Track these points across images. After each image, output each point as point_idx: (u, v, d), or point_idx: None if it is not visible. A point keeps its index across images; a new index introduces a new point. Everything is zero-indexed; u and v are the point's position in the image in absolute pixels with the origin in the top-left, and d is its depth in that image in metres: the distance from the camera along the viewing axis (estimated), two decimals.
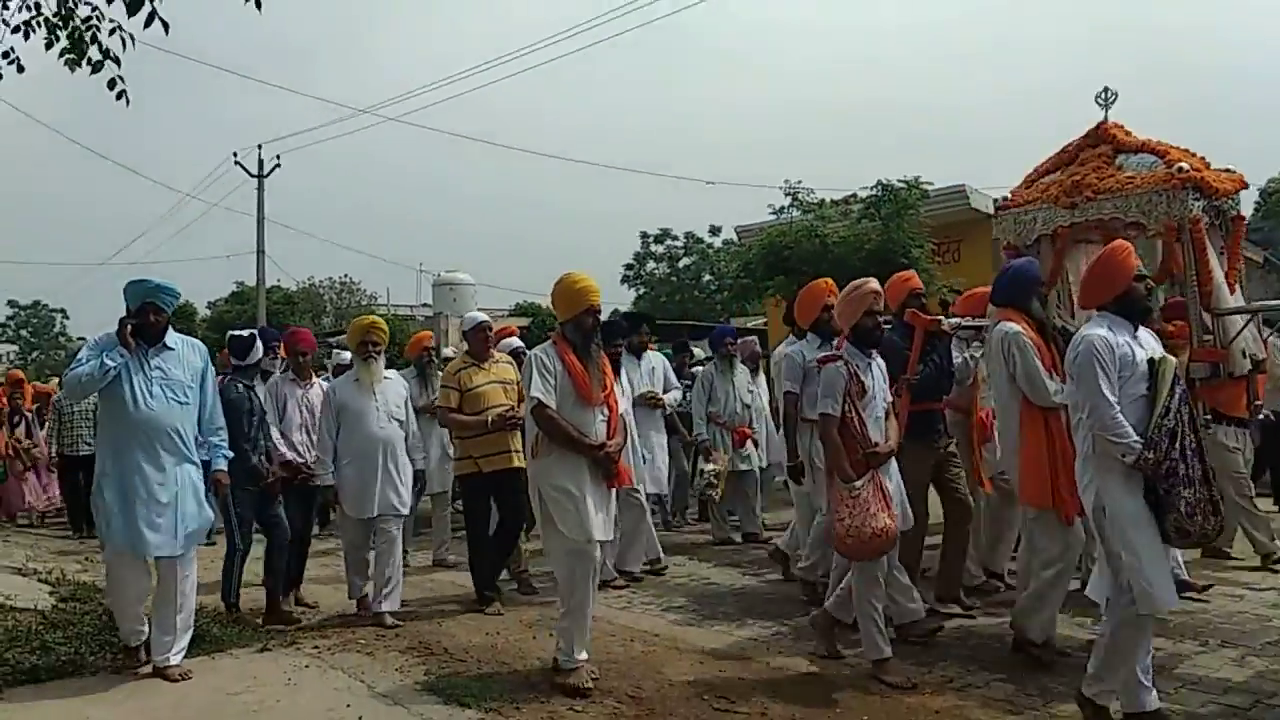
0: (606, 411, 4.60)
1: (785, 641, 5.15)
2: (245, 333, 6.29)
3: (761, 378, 8.93)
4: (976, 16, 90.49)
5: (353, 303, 42.96)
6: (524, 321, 26.47)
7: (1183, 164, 5.56)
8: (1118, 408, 3.56)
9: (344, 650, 5.22)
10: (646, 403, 7.67)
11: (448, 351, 10.73)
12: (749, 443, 8.27)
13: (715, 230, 33.51)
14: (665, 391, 8.04)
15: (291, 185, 61.45)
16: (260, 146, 26.20)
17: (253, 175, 25.90)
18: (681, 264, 35.43)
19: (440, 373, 8.31)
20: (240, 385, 5.87)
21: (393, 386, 6.08)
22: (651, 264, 35.78)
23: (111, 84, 5.02)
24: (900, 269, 13.09)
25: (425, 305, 28.41)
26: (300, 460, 6.21)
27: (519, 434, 5.73)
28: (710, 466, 7.99)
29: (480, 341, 6.32)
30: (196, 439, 4.80)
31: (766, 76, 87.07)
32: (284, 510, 5.99)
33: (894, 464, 4.60)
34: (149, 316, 4.62)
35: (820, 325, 5.91)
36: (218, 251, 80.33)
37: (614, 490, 4.66)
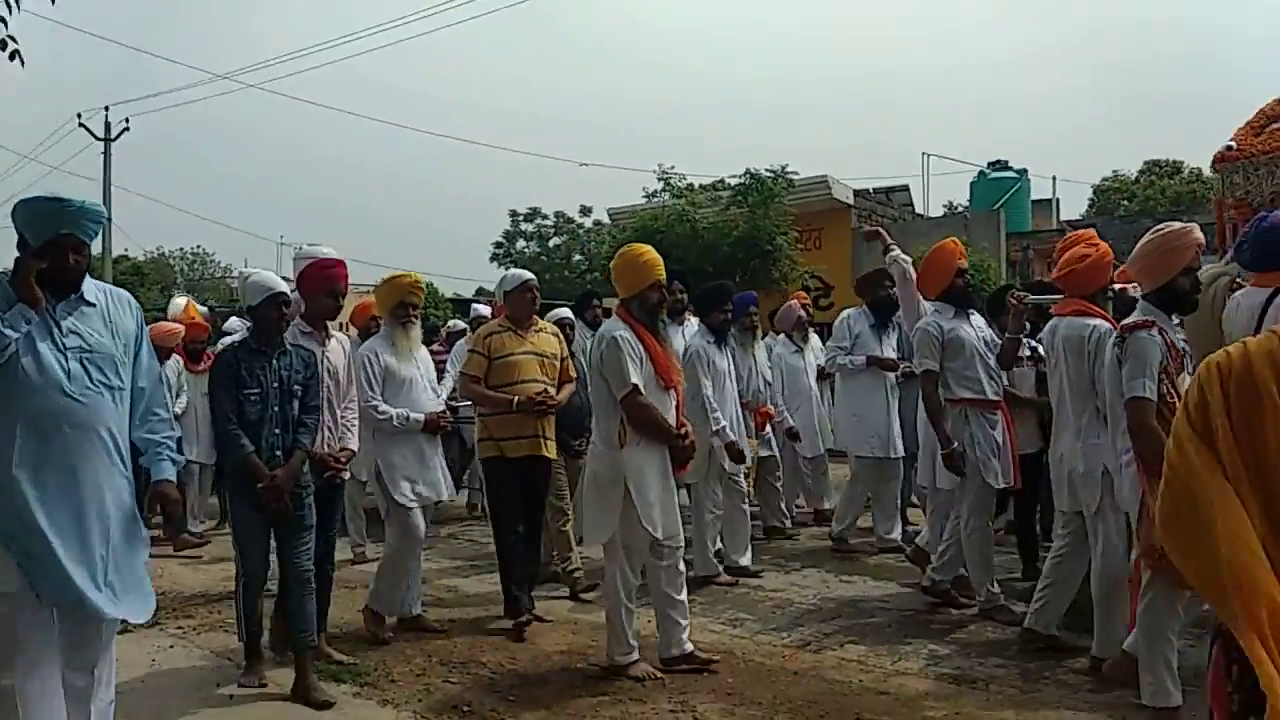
0: (675, 395, 4.38)
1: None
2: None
3: (810, 352, 7.78)
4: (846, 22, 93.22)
5: (205, 274, 41.16)
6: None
7: None
8: None
9: (210, 630, 5.13)
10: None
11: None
12: (770, 425, 7.03)
13: (586, 210, 33.66)
14: None
15: (141, 150, 58.03)
16: (108, 109, 24.86)
17: (99, 139, 24.51)
18: (551, 243, 35.40)
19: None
20: (236, 345, 4.32)
21: (425, 355, 5.34)
22: (521, 243, 35.60)
23: (2, 44, 4.60)
24: (766, 255, 13.70)
25: (286, 278, 27.46)
26: (327, 453, 4.49)
27: (552, 418, 5.19)
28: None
29: (522, 304, 5.26)
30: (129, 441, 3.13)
31: (638, 62, 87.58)
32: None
33: None
34: (67, 256, 2.95)
35: (955, 293, 5.25)
36: None
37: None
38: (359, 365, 4.87)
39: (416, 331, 5.17)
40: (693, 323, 6.61)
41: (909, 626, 4.98)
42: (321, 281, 4.53)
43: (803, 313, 7.82)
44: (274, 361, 4.13)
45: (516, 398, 4.96)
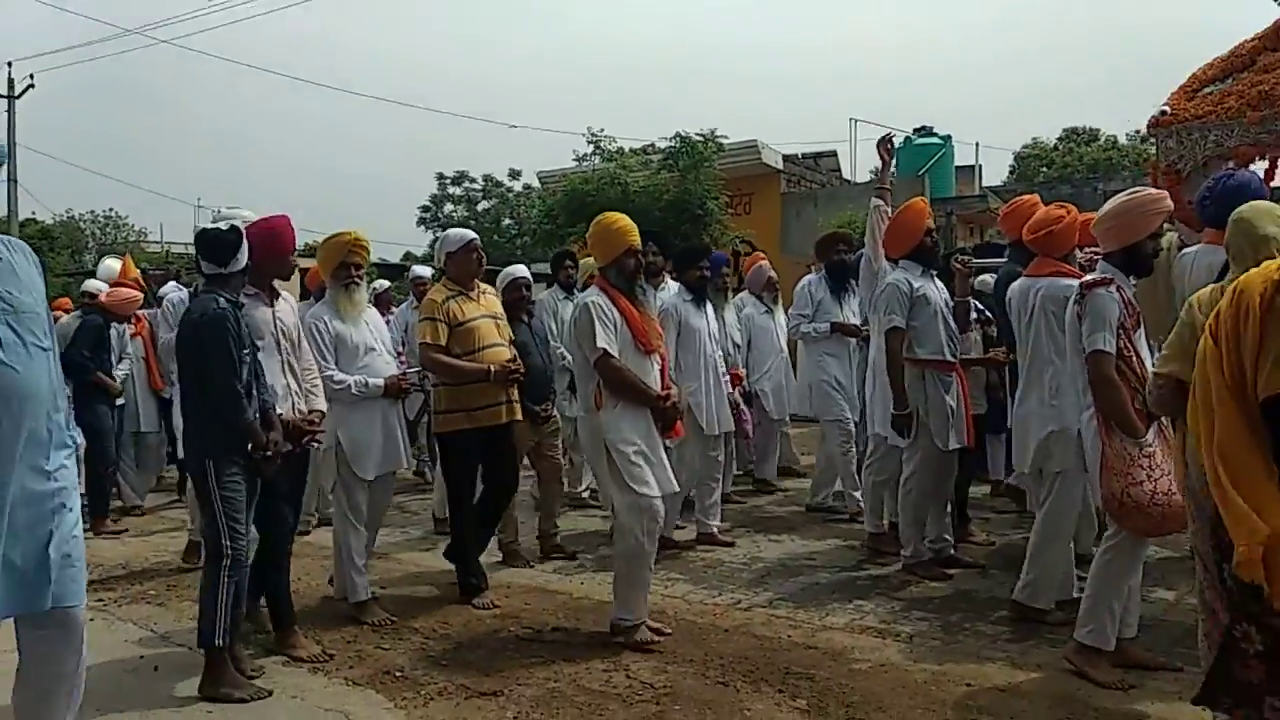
0: (658, 359, 4.36)
1: (585, 573, 5.41)
2: (224, 225, 3.97)
3: (780, 312, 7.63)
4: None
5: (119, 238, 39.73)
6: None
7: None
8: None
9: (132, 603, 5.02)
10: None
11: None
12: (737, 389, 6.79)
13: (515, 174, 33.30)
14: None
15: (49, 108, 55.39)
16: (10, 64, 23.89)
17: (2, 96, 23.55)
18: (480, 207, 34.97)
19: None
20: (222, 300, 3.79)
21: (375, 317, 5.10)
22: (450, 206, 35.11)
23: None
24: (696, 220, 13.73)
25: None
26: (299, 418, 4.23)
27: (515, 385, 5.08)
28: None
29: (467, 264, 5.04)
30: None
31: (567, 24, 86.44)
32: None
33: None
34: None
35: (922, 252, 5.23)
36: None
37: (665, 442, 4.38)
38: (308, 333, 4.60)
39: (361, 295, 4.90)
40: (671, 284, 6.40)
41: (835, 584, 5.11)
42: (271, 241, 4.23)
43: (773, 273, 7.74)
44: (244, 322, 3.92)
45: (492, 367, 4.84)
